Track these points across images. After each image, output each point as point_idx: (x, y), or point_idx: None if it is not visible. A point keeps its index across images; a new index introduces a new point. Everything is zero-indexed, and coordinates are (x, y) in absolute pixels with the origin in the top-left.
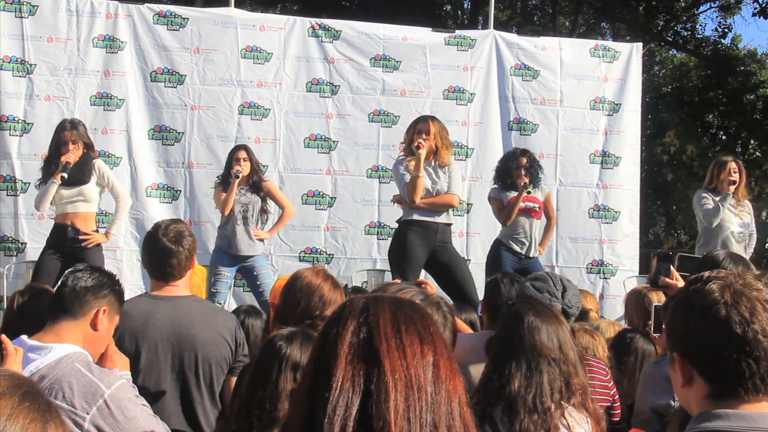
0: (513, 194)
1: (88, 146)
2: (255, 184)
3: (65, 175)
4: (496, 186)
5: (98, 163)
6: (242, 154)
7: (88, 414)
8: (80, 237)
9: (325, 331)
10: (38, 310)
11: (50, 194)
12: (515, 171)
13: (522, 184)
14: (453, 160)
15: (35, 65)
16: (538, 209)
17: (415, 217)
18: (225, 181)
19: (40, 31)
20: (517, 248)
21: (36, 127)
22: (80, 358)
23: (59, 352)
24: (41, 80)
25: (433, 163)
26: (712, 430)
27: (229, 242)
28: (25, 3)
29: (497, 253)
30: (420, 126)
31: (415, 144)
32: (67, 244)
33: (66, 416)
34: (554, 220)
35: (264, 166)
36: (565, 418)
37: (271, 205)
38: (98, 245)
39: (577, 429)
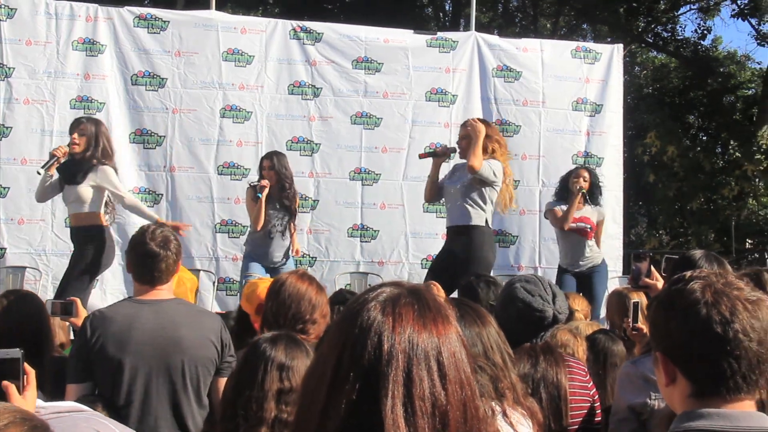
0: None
1: (103, 150)
2: (285, 196)
3: (40, 171)
4: (553, 199)
5: (102, 168)
6: (266, 163)
7: None
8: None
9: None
10: (20, 315)
11: (40, 185)
12: (573, 179)
13: (578, 188)
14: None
15: (14, 68)
16: (589, 230)
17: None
18: (254, 188)
19: (18, 34)
20: (574, 269)
21: (15, 131)
22: None
23: None
24: (20, 83)
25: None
26: (695, 430)
27: (262, 252)
28: (3, 6)
29: (559, 279)
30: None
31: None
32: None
33: None
34: (599, 243)
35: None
36: (507, 417)
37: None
38: (102, 241)
39: (520, 428)
